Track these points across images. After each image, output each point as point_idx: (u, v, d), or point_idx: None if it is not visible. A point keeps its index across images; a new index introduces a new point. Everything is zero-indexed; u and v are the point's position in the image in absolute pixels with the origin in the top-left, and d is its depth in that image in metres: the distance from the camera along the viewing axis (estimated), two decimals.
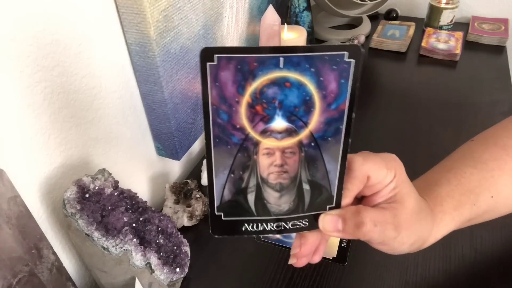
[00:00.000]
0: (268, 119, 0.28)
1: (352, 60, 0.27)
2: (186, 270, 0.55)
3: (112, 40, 0.50)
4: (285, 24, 0.82)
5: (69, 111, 0.47)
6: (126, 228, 0.47)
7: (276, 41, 0.69)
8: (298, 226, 0.32)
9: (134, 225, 0.49)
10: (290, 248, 0.58)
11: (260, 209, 0.31)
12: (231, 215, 0.31)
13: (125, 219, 0.48)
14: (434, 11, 1.07)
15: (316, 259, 0.35)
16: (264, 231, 0.32)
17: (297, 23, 0.96)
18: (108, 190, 0.48)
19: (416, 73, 0.97)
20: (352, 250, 0.56)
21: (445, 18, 1.06)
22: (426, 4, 1.09)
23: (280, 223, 0.32)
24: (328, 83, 0.27)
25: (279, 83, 0.27)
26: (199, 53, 0.25)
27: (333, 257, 0.56)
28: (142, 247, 0.48)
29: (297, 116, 0.28)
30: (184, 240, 0.56)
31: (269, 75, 0.26)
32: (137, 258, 0.47)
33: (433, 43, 1.01)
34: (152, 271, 0.49)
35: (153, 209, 0.54)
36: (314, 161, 0.30)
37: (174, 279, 0.53)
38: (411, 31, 1.07)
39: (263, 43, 0.69)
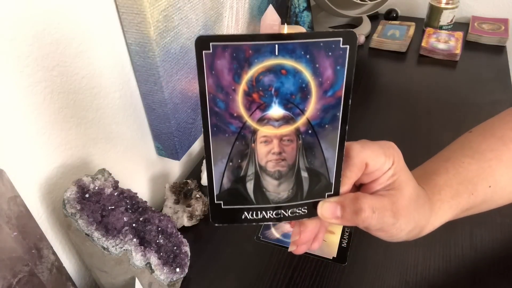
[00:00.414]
0: (265, 107, 0.28)
1: (347, 46, 0.27)
2: (186, 270, 0.55)
3: (112, 40, 0.50)
4: (285, 24, 0.82)
5: (69, 111, 0.47)
6: (126, 228, 0.47)
7: None
8: (297, 214, 0.32)
9: (134, 225, 0.49)
10: None
11: (259, 197, 0.31)
12: (231, 203, 0.31)
13: (125, 219, 0.48)
14: (434, 11, 1.07)
15: (316, 246, 0.35)
16: (264, 219, 0.32)
17: (297, 23, 0.96)
18: (108, 190, 0.48)
19: (416, 73, 0.97)
20: (352, 250, 0.56)
21: (445, 18, 1.06)
22: (426, 4, 1.09)
23: (279, 211, 0.32)
24: (324, 70, 0.27)
25: (275, 70, 0.27)
26: (194, 41, 0.25)
27: (333, 257, 0.56)
28: (142, 247, 0.48)
29: (293, 104, 0.28)
30: (184, 240, 0.56)
31: (264, 62, 0.26)
32: (137, 258, 0.47)
33: (433, 43, 1.01)
34: (152, 271, 0.49)
35: (153, 209, 0.54)
36: (312, 149, 0.30)
37: (174, 279, 0.53)
38: (411, 31, 1.07)
39: None
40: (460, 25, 1.11)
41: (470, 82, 0.91)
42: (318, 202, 0.32)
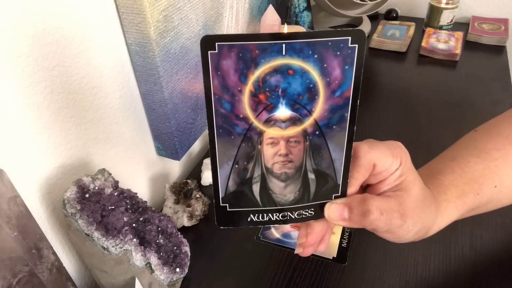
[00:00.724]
0: (272, 108, 0.27)
1: (356, 45, 0.26)
2: (186, 270, 0.55)
3: (112, 40, 0.50)
4: (285, 24, 0.82)
5: (69, 111, 0.47)
6: (126, 228, 0.47)
7: None
8: (304, 216, 0.32)
9: (134, 225, 0.49)
10: (290, 248, 0.58)
11: (265, 199, 0.31)
12: (236, 206, 0.31)
13: (125, 219, 0.48)
14: (434, 11, 1.07)
15: (322, 248, 0.35)
16: (270, 221, 0.32)
17: (297, 23, 0.96)
18: (108, 190, 0.48)
19: (416, 73, 0.97)
20: (352, 250, 0.56)
21: (445, 18, 1.06)
22: (426, 4, 1.09)
23: (286, 213, 0.31)
24: (332, 70, 0.27)
25: (282, 70, 0.26)
26: (199, 41, 0.25)
27: (333, 257, 0.56)
28: (142, 247, 0.48)
29: (301, 104, 0.28)
30: (184, 240, 0.56)
31: (271, 62, 0.26)
32: (137, 258, 0.47)
33: (433, 43, 1.01)
34: (152, 271, 0.49)
35: (153, 209, 0.54)
36: (319, 150, 0.30)
37: (174, 279, 0.53)
38: (411, 31, 1.07)
39: None
40: (460, 25, 1.11)
41: (470, 82, 0.91)
42: (325, 203, 0.32)
